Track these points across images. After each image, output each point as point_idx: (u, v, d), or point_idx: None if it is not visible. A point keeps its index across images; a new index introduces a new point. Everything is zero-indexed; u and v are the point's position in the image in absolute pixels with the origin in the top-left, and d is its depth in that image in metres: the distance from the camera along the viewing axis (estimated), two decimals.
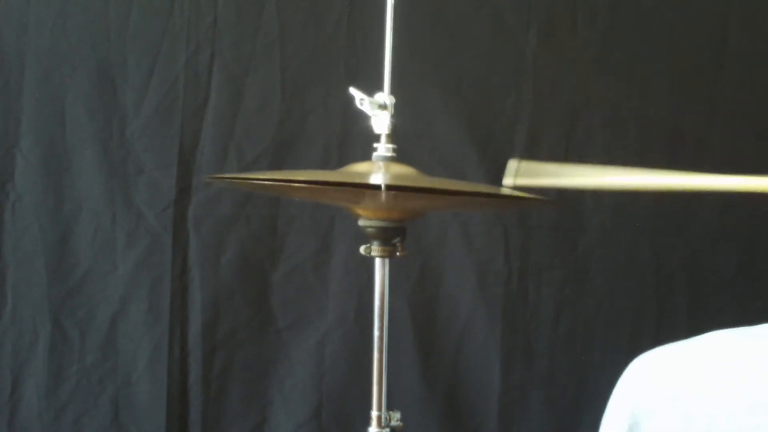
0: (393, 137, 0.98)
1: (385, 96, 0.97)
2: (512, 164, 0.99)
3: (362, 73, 1.50)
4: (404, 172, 0.96)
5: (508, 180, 0.98)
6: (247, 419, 1.59)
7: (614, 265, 1.64)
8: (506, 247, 1.60)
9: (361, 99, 0.96)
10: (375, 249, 0.99)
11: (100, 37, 1.50)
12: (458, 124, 1.57)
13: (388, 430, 1.03)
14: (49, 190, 1.51)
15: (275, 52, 1.53)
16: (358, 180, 0.93)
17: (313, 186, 0.95)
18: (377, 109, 0.96)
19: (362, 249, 1.00)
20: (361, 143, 1.07)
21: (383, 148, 0.98)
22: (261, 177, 1.05)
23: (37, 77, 1.49)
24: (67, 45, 1.49)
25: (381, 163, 0.97)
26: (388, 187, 0.86)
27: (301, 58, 1.54)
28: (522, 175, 0.98)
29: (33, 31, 1.49)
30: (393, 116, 0.98)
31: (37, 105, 1.50)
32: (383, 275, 1.02)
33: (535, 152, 1.59)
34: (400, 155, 0.99)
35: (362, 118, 0.98)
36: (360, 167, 0.98)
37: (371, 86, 0.98)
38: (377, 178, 0.92)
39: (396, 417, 1.04)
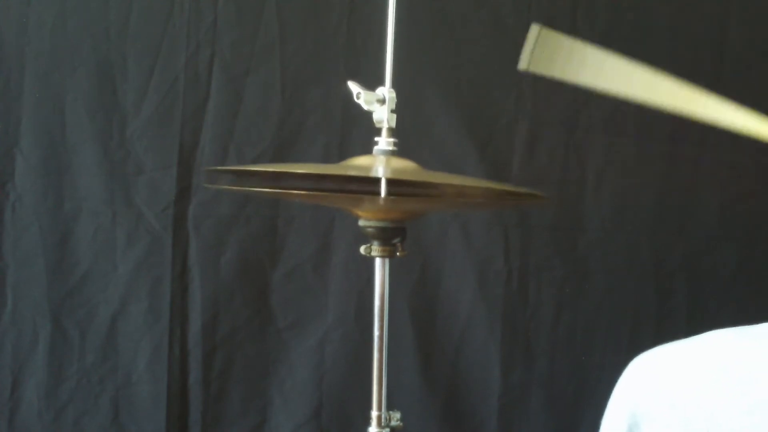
0: (394, 132, 0.97)
1: (384, 90, 0.96)
2: (532, 36, 0.88)
3: (362, 73, 1.50)
4: (405, 165, 0.95)
5: (523, 64, 0.88)
6: (247, 419, 1.59)
7: (614, 265, 1.64)
8: (506, 247, 1.60)
9: (358, 93, 0.94)
10: (375, 249, 0.99)
11: (100, 37, 1.50)
12: (458, 124, 1.57)
13: (388, 430, 1.03)
14: (49, 190, 1.51)
15: (275, 52, 1.53)
16: (358, 173, 0.92)
17: (313, 184, 0.94)
18: (375, 104, 0.95)
19: (362, 249, 1.00)
20: (362, 143, 1.07)
21: (384, 142, 0.97)
22: (261, 169, 1.04)
23: (37, 77, 1.49)
24: (67, 45, 1.49)
25: (382, 157, 0.96)
26: (389, 181, 0.85)
27: (301, 58, 1.54)
28: (538, 58, 0.88)
29: (33, 31, 1.48)
30: (394, 110, 0.96)
31: (37, 105, 1.50)
32: (383, 275, 1.01)
33: (535, 152, 1.59)
34: (400, 155, 0.98)
35: (363, 118, 0.98)
36: (360, 161, 0.97)
37: (371, 86, 0.97)
38: (378, 170, 0.91)
39: (396, 417, 1.03)
